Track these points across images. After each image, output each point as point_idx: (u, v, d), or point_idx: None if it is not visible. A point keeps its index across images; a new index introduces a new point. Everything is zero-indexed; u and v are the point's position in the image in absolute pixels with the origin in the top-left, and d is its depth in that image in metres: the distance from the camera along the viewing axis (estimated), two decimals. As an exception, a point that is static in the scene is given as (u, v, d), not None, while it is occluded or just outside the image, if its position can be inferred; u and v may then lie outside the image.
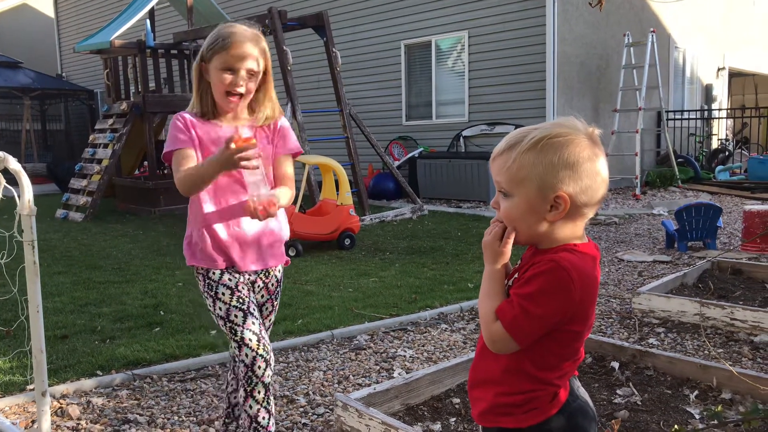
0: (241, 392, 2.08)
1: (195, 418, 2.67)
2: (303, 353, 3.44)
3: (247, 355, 2.03)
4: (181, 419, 2.66)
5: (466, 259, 5.71)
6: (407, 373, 3.05)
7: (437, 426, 2.50)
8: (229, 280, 2.07)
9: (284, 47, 7.56)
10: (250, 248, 2.10)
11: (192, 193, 2.02)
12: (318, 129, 10.57)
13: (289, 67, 7.52)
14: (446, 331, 3.79)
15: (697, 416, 2.57)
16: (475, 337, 3.66)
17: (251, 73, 2.00)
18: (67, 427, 2.59)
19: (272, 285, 2.22)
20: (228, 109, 2.06)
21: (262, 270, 2.16)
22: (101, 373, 3.11)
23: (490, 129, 10.11)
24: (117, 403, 2.81)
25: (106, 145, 9.32)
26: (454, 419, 2.56)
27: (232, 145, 1.79)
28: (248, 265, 2.10)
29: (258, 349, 2.04)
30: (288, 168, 2.15)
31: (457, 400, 2.71)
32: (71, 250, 6.56)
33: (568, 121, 1.29)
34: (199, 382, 3.06)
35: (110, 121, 9.55)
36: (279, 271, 2.23)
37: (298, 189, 6.87)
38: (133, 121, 9.29)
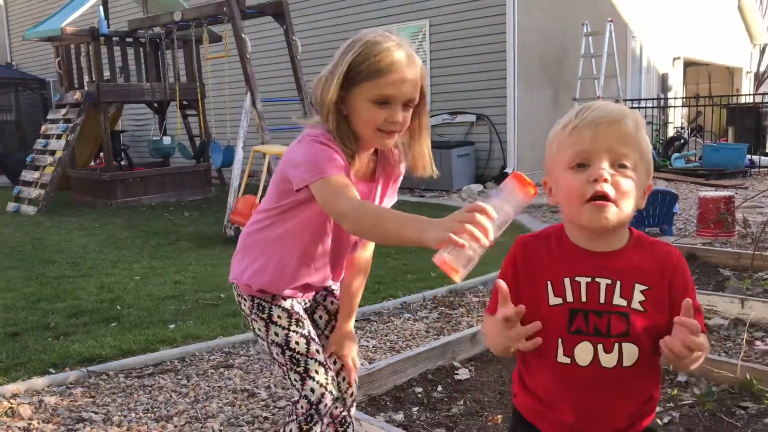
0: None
1: (153, 415, 2.61)
2: (264, 346, 3.40)
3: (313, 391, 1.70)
4: (138, 416, 2.60)
5: (429, 249, 5.70)
6: (369, 363, 3.03)
7: (399, 416, 2.49)
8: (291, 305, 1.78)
9: (243, 35, 7.43)
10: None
11: (371, 238, 1.65)
12: (278, 118, 10.42)
13: (248, 56, 7.39)
14: (409, 321, 3.79)
15: (655, 399, 2.61)
16: (438, 325, 3.67)
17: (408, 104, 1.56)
18: (18, 428, 2.50)
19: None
20: (381, 147, 1.64)
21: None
22: (54, 371, 3.02)
23: (452, 118, 10.14)
24: (71, 401, 2.73)
25: (59, 136, 9.04)
26: (416, 408, 2.56)
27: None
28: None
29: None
30: None
31: (419, 390, 2.71)
32: (23, 245, 6.36)
33: None
34: (157, 377, 2.99)
35: (63, 110, 9.26)
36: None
37: (258, 180, 6.78)
38: (87, 111, 9.03)
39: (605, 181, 1.12)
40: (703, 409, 2.24)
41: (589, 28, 10.17)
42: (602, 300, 1.16)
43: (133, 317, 3.87)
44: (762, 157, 11.30)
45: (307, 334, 1.73)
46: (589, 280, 1.17)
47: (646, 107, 12.19)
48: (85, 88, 9.09)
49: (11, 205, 8.83)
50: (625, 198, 1.13)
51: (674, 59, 14.04)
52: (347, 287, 1.90)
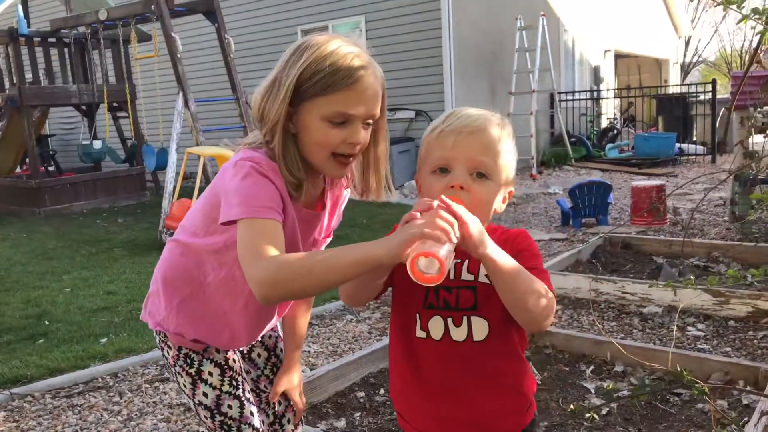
0: None
1: (82, 437, 2.48)
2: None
3: None
4: (66, 439, 2.47)
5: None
6: (311, 369, 2.97)
7: (341, 422, 2.44)
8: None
9: (173, 34, 7.20)
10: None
11: (306, 292, 1.26)
12: (213, 119, 10.20)
13: (179, 55, 7.17)
14: (351, 322, 3.74)
15: (593, 391, 2.65)
16: (381, 325, 3.64)
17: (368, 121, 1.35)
18: (-67, 460, 2.34)
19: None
20: (334, 177, 1.42)
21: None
22: (-27, 396, 2.84)
23: (391, 114, 10.12)
24: (-8, 427, 2.57)
25: (-20, 143, 8.60)
26: (359, 414, 2.51)
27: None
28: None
29: None
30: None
31: (361, 394, 2.66)
32: (-58, 259, 6.00)
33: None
34: (87, 396, 2.85)
35: (-17, 116, 8.81)
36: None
37: (193, 181, 6.60)
38: (9, 116, 8.61)
39: (461, 188, 1.18)
40: (638, 401, 2.28)
41: (522, 22, 10.32)
42: (452, 276, 1.21)
43: (62, 333, 3.69)
44: (690, 145, 11.74)
45: (241, 394, 1.50)
46: None
47: (580, 99, 12.48)
48: (6, 91, 8.66)
49: (-70, 217, 8.35)
50: (477, 204, 1.17)
51: (605, 52, 14.42)
52: (292, 325, 1.68)
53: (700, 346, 3.13)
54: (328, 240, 1.57)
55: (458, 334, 1.21)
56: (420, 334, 1.24)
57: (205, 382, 1.48)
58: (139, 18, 7.82)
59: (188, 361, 1.49)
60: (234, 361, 1.53)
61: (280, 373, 1.69)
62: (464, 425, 1.23)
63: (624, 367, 2.83)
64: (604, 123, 13.71)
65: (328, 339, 3.48)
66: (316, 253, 1.30)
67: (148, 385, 2.93)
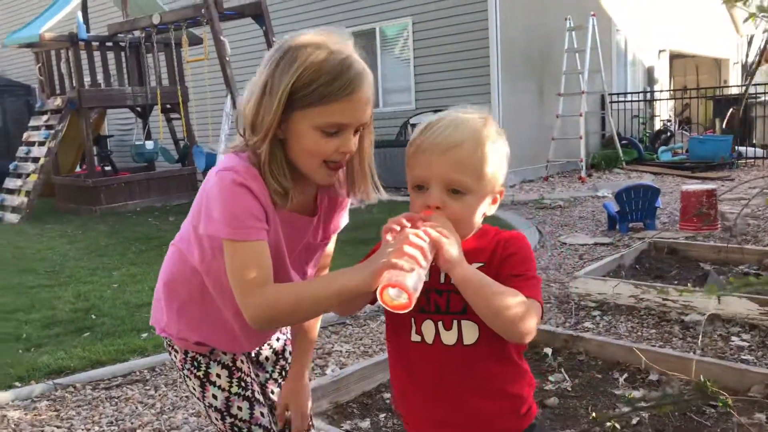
0: None
1: (116, 427, 2.57)
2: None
3: None
4: (101, 429, 2.56)
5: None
6: (341, 369, 2.99)
7: (366, 423, 2.46)
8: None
9: (222, 38, 7.38)
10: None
11: (290, 321, 1.44)
12: (264, 120, 10.39)
13: (227, 58, 7.34)
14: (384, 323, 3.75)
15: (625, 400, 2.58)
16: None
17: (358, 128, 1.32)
18: (-22, 445, 2.46)
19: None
20: (324, 184, 1.39)
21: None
22: (20, 385, 2.97)
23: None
24: (35, 415, 2.69)
25: (41, 143, 8.97)
26: (383, 415, 2.52)
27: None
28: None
29: None
30: (332, 245, 1.61)
31: (387, 395, 2.67)
32: (3, 254, 6.30)
33: (467, 108, 1.25)
34: (125, 388, 2.95)
35: (45, 117, 9.20)
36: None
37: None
38: (69, 117, 8.97)
39: (437, 208, 1.18)
40: (661, 412, 2.21)
41: (572, 22, 10.14)
42: (442, 280, 1.21)
43: (107, 326, 3.83)
44: (749, 148, 11.30)
45: (250, 395, 1.50)
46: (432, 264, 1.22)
47: (632, 101, 12.18)
48: (66, 94, 9.02)
49: (-5, 214, 8.77)
50: (456, 221, 1.18)
51: (660, 52, 14.02)
52: (301, 336, 1.62)
53: (743, 357, 3.02)
54: (330, 243, 1.56)
55: (449, 337, 1.21)
56: (415, 338, 1.23)
57: (214, 384, 1.48)
58: (191, 22, 8.04)
59: (195, 364, 1.49)
60: (242, 362, 1.52)
61: (285, 384, 1.64)
62: (460, 428, 1.22)
63: (659, 376, 2.75)
64: (658, 125, 13.34)
65: (361, 339, 3.50)
66: (302, 286, 1.32)
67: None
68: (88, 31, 9.11)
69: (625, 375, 2.79)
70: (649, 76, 13.49)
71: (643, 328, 3.47)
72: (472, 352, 1.20)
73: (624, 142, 11.19)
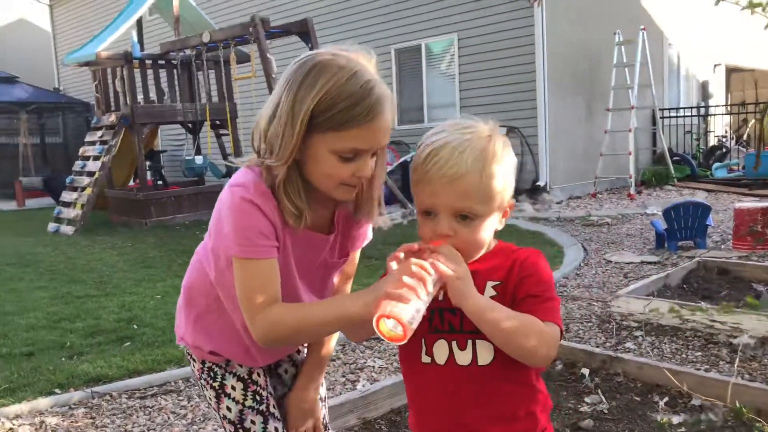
0: None
1: (148, 437, 2.60)
2: (270, 366, 3.37)
3: None
4: (133, 438, 2.60)
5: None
6: (371, 384, 2.97)
7: (393, 440, 2.42)
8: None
9: (268, 55, 7.52)
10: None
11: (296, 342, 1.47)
12: (310, 136, 10.51)
13: (273, 76, 7.46)
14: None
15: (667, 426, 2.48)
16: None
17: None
18: (15, 449, 2.53)
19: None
20: (343, 200, 1.36)
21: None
22: (59, 392, 3.05)
23: (482, 131, 10.02)
24: (71, 422, 2.75)
25: (96, 158, 9.29)
26: (412, 433, 2.48)
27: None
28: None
29: None
30: (354, 264, 1.58)
31: (410, 422, 2.62)
32: (56, 264, 6.52)
33: (468, 119, 1.22)
34: (159, 398, 2.99)
35: (99, 133, 9.53)
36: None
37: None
38: (122, 133, 9.26)
39: (447, 236, 1.16)
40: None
41: (621, 37, 9.96)
42: None
43: (147, 336, 3.90)
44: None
45: (265, 409, 1.48)
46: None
47: (685, 116, 11.85)
48: (120, 110, 9.33)
49: (51, 226, 9.10)
50: (466, 246, 1.17)
51: (715, 66, 13.63)
52: (316, 348, 1.58)
53: (795, 383, 2.86)
54: (352, 262, 1.54)
55: (463, 357, 1.17)
56: (425, 359, 1.21)
57: (228, 396, 1.48)
58: (239, 40, 8.22)
59: (212, 374, 1.49)
60: (258, 375, 1.51)
61: (291, 406, 1.58)
62: None
63: (702, 401, 2.63)
64: (712, 141, 12.93)
65: (395, 355, 3.47)
66: (306, 309, 1.31)
67: (216, 391, 3.04)
68: (141, 49, 9.42)
69: (666, 399, 2.68)
70: (704, 91, 13.12)
71: (688, 350, 3.34)
72: (488, 373, 1.17)
73: (676, 158, 10.89)
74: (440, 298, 1.16)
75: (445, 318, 1.18)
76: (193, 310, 1.50)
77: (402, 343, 1.05)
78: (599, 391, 2.77)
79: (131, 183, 11.18)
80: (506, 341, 1.11)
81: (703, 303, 3.71)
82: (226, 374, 1.49)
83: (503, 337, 1.11)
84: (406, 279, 1.06)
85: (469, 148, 1.15)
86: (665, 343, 3.44)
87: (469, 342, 1.17)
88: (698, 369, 3.01)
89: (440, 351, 1.19)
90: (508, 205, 1.22)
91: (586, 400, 2.71)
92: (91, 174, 9.21)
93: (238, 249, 1.26)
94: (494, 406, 1.18)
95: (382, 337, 1.06)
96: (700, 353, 3.28)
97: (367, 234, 1.51)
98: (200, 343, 1.49)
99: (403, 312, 1.03)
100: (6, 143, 17.05)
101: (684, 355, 3.26)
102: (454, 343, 1.18)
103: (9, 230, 9.33)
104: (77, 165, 9.59)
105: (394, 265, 1.14)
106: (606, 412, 2.60)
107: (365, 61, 1.26)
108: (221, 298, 1.43)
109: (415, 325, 1.05)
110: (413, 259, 1.11)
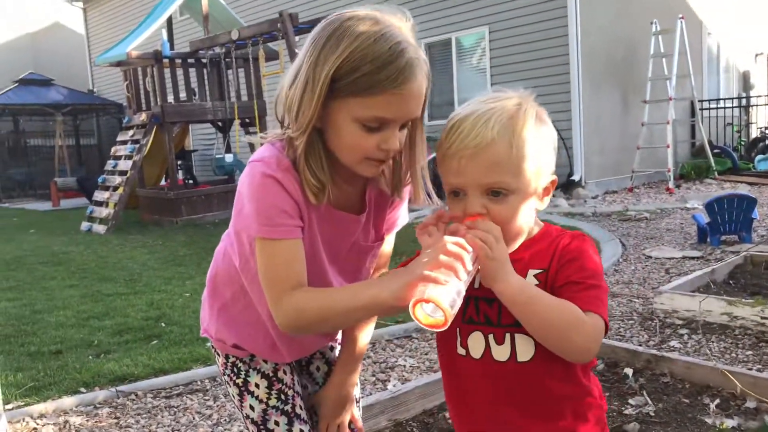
0: None
1: (172, 438, 2.52)
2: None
3: None
4: (157, 439, 2.52)
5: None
6: (402, 384, 2.85)
7: (425, 444, 2.30)
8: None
9: (297, 51, 7.44)
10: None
11: (319, 330, 1.31)
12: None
13: (302, 71, 7.41)
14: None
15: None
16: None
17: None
18: (38, 450, 2.47)
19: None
20: (368, 176, 1.23)
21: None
22: (84, 390, 3.00)
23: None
24: (95, 422, 2.69)
25: (128, 157, 9.35)
26: (445, 436, 2.36)
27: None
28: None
29: None
30: (390, 244, 1.44)
31: (449, 415, 2.50)
32: (88, 263, 6.54)
33: (499, 92, 1.09)
34: (184, 398, 2.92)
35: (131, 132, 9.59)
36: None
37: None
38: (153, 132, 9.30)
39: (480, 216, 1.04)
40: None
41: (658, 26, 9.66)
42: None
43: (174, 335, 3.84)
44: None
45: (290, 410, 1.37)
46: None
47: (725, 107, 11.47)
48: (151, 109, 9.37)
49: (84, 225, 9.18)
50: (504, 222, 1.04)
51: (757, 55, 13.19)
52: (351, 342, 1.46)
53: None
54: (388, 245, 1.40)
55: (500, 353, 1.06)
56: (460, 350, 1.10)
57: (252, 394, 1.38)
58: (267, 36, 8.16)
59: (235, 370, 1.40)
60: (284, 372, 1.40)
61: (325, 399, 1.47)
62: None
63: (758, 404, 2.45)
64: (755, 133, 12.50)
65: (426, 354, 3.34)
66: (331, 294, 1.18)
67: (243, 391, 2.95)
68: (171, 48, 9.44)
69: (717, 401, 2.50)
70: (745, 81, 12.71)
71: (738, 348, 3.14)
72: (528, 370, 1.05)
73: (716, 151, 10.54)
74: (476, 285, 1.04)
75: (480, 309, 1.07)
76: (218, 300, 1.40)
77: (443, 329, 0.93)
78: (644, 393, 2.60)
79: (162, 182, 11.24)
80: (539, 329, 1.00)
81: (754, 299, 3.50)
82: (250, 370, 1.39)
83: (536, 325, 1.00)
84: (443, 258, 0.94)
85: (495, 116, 1.03)
86: (712, 342, 3.25)
87: (507, 336, 1.06)
88: (750, 369, 2.82)
89: (476, 344, 1.09)
90: (550, 182, 1.09)
91: (631, 401, 2.56)
92: (123, 173, 9.27)
93: (259, 228, 1.15)
94: (536, 406, 1.06)
95: (420, 324, 0.94)
96: (750, 352, 3.09)
97: (403, 215, 1.38)
98: (223, 335, 1.39)
99: (442, 295, 0.91)
100: (42, 145, 17.36)
101: (734, 354, 3.07)
102: (490, 337, 1.07)
103: (43, 230, 9.44)
104: (109, 164, 9.66)
105: (426, 239, 1.03)
106: (652, 414, 2.44)
107: (399, 22, 1.11)
108: (246, 287, 1.32)
109: (455, 310, 0.93)
110: (447, 237, 0.98)
